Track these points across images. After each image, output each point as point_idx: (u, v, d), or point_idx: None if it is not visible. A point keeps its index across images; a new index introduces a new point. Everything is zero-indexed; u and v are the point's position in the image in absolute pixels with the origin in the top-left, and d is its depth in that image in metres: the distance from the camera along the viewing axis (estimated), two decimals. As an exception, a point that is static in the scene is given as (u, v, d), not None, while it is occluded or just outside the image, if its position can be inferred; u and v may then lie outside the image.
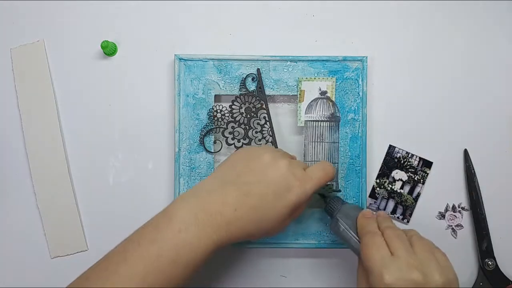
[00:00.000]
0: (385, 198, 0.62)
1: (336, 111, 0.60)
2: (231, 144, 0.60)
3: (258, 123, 0.60)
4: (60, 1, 0.62)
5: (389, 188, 0.62)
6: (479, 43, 0.62)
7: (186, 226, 0.45)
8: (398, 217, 0.62)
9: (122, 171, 0.62)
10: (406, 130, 0.62)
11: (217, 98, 0.61)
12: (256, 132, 0.60)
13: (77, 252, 0.62)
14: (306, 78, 0.60)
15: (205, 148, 0.60)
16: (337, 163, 0.60)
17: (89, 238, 0.62)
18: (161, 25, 0.62)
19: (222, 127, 0.60)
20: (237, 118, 0.60)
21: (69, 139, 0.62)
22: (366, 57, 0.60)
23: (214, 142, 0.60)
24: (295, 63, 0.60)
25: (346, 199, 0.60)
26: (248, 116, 0.60)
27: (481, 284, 0.61)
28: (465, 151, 0.62)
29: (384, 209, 0.62)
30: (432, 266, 0.46)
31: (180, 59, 0.60)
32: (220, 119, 0.60)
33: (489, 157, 0.62)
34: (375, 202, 0.62)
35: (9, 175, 0.62)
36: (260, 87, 0.60)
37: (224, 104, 0.60)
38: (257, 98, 0.60)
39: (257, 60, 0.60)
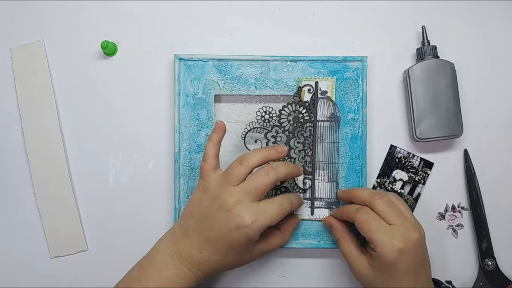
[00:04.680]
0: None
1: (336, 111, 0.60)
2: None
3: (302, 134, 0.60)
4: (60, 1, 0.62)
5: (389, 188, 0.62)
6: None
7: (165, 265, 0.53)
8: (398, 217, 0.62)
9: (122, 171, 0.62)
10: (406, 130, 0.62)
11: (217, 98, 0.61)
12: (298, 143, 0.60)
13: (77, 252, 0.62)
14: (306, 78, 0.60)
15: (245, 145, 0.60)
16: (337, 163, 0.60)
17: (89, 238, 0.62)
18: (161, 25, 0.62)
19: (266, 129, 0.60)
20: (284, 124, 0.60)
21: (69, 139, 0.62)
22: (366, 57, 0.60)
23: (255, 141, 0.60)
24: (295, 63, 0.60)
25: (346, 199, 0.60)
26: (295, 125, 0.60)
27: (481, 284, 0.61)
28: (465, 151, 0.62)
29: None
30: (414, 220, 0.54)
31: (180, 59, 0.60)
32: (267, 121, 0.60)
33: (489, 157, 0.62)
34: (375, 202, 0.62)
35: (9, 175, 0.62)
36: (314, 100, 0.60)
37: (274, 107, 0.60)
38: (308, 110, 0.60)
39: (257, 60, 0.60)
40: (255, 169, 0.54)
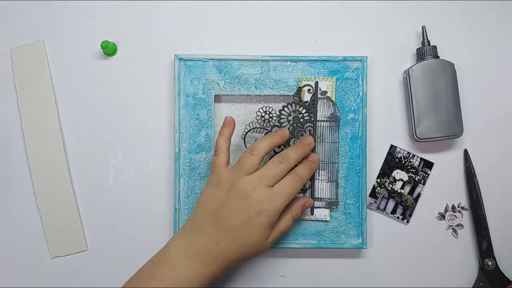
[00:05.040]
0: (385, 198, 0.62)
1: (336, 111, 0.60)
2: None
3: (302, 134, 0.60)
4: (60, 1, 0.62)
5: (389, 188, 0.62)
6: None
7: (178, 262, 0.52)
8: (398, 217, 0.62)
9: (122, 171, 0.62)
10: (406, 130, 0.62)
11: (217, 98, 0.61)
12: None
13: (77, 252, 0.62)
14: (306, 78, 0.60)
15: (245, 145, 0.59)
16: (337, 163, 0.60)
17: (89, 238, 0.62)
18: (161, 25, 0.62)
19: (266, 129, 0.60)
20: (284, 124, 0.60)
21: (69, 139, 0.62)
22: (366, 57, 0.60)
23: (255, 141, 0.60)
24: (295, 63, 0.60)
25: (346, 199, 0.60)
26: (294, 125, 0.60)
27: (481, 284, 0.61)
28: (465, 151, 0.62)
29: (384, 209, 0.62)
30: None
31: (180, 59, 0.60)
32: (266, 121, 0.60)
33: (489, 157, 0.62)
34: (375, 201, 0.62)
35: (9, 175, 0.62)
36: (314, 100, 0.60)
37: (274, 107, 0.60)
38: (308, 110, 0.60)
39: (257, 60, 0.60)
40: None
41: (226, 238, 0.52)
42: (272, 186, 0.53)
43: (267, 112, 0.60)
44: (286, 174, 0.55)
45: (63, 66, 0.62)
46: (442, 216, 0.62)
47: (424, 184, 0.62)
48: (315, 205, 0.60)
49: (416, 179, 0.61)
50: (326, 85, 0.60)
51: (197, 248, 0.52)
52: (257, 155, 0.54)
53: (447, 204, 0.62)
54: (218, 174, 0.55)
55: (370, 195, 0.62)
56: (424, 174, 0.61)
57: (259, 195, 0.52)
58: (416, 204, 0.62)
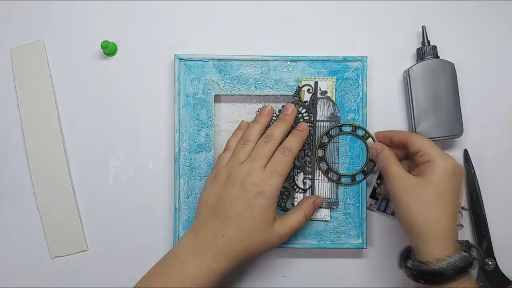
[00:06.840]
0: (386, 199, 0.62)
1: (336, 111, 0.60)
2: None
3: None
4: (60, 1, 0.62)
5: (389, 188, 0.61)
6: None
7: (186, 259, 0.53)
8: (398, 217, 0.62)
9: (122, 171, 0.62)
10: (406, 130, 0.62)
11: (217, 98, 0.61)
12: None
13: (77, 252, 0.62)
14: (306, 78, 0.60)
15: None
16: (337, 163, 0.60)
17: (89, 238, 0.62)
18: (161, 25, 0.62)
19: (266, 129, 0.59)
20: None
21: (69, 139, 0.62)
22: (366, 57, 0.60)
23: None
24: (295, 63, 0.60)
25: (346, 199, 0.60)
26: (294, 125, 0.59)
27: (481, 284, 0.61)
28: (465, 151, 0.62)
29: (385, 210, 0.62)
30: None
31: (180, 59, 0.60)
32: None
33: (489, 157, 0.62)
34: (375, 202, 0.62)
35: (9, 175, 0.62)
36: (314, 100, 0.60)
37: (274, 107, 0.59)
38: (308, 109, 0.60)
39: (257, 60, 0.60)
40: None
41: (230, 228, 0.53)
42: (265, 167, 0.54)
43: None
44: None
45: (63, 66, 0.62)
46: (442, 216, 0.62)
47: (424, 184, 0.61)
48: (315, 205, 0.60)
49: (416, 179, 0.61)
50: (326, 85, 0.60)
51: (204, 243, 0.53)
52: (250, 143, 0.56)
53: (447, 204, 0.62)
54: (218, 168, 0.56)
55: (370, 196, 0.62)
56: (424, 174, 0.61)
57: (253, 178, 0.53)
58: (416, 204, 0.61)
